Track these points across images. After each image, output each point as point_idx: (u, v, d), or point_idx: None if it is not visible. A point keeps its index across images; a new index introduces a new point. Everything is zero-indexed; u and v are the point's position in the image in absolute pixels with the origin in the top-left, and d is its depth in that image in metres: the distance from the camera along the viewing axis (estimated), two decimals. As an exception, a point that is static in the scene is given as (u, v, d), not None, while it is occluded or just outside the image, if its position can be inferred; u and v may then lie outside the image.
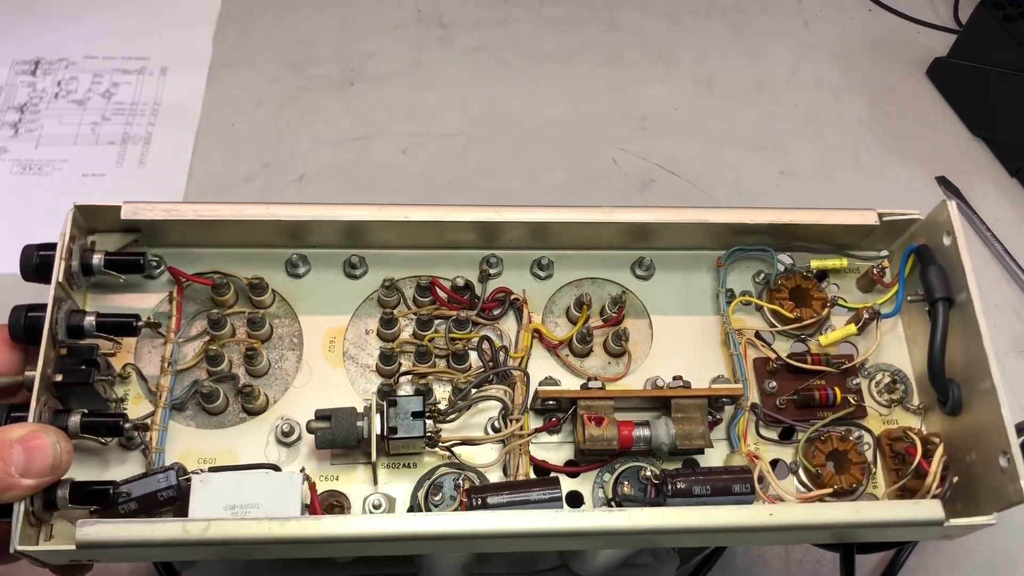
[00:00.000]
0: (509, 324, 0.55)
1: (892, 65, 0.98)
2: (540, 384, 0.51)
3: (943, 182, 0.87)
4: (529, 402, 0.51)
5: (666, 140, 0.88)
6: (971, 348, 0.50)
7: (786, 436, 0.52)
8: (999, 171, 0.90)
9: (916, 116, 0.94)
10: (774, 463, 0.51)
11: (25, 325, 0.47)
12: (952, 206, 0.52)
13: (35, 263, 0.49)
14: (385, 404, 0.48)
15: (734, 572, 0.64)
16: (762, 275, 0.56)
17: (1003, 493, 0.47)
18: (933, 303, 0.51)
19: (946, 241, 0.52)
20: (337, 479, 0.49)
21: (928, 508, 0.46)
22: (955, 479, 0.49)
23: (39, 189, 0.79)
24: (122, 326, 0.49)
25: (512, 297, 0.55)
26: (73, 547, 0.42)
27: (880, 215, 0.54)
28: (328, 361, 0.53)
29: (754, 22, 1.01)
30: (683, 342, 0.54)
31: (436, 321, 0.53)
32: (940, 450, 0.49)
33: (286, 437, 0.50)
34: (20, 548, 0.42)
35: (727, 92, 0.94)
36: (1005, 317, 0.78)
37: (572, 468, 0.50)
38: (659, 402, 0.51)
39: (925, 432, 0.52)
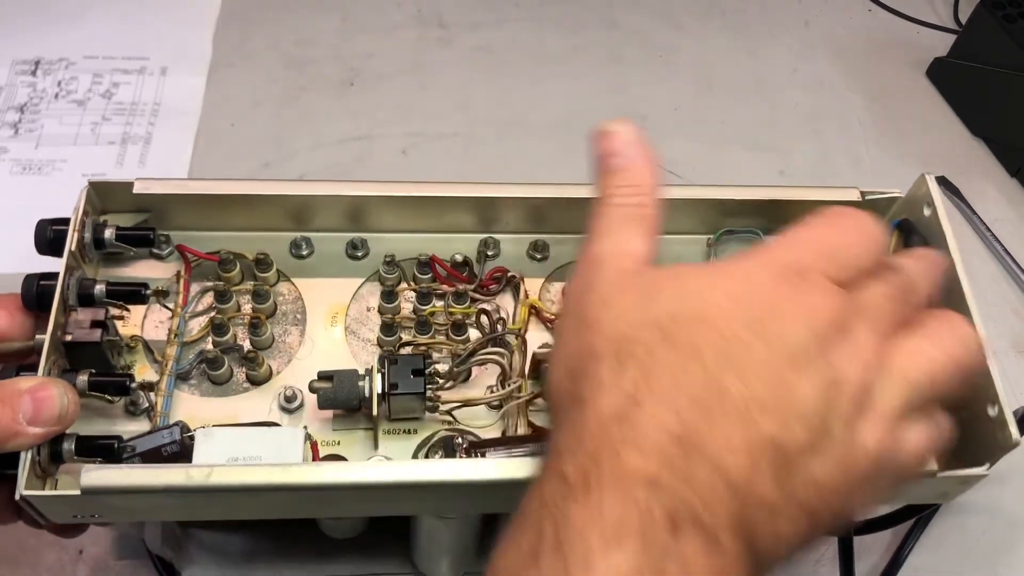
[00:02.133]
0: (506, 302, 0.56)
1: (892, 65, 0.98)
2: (538, 349, 0.52)
3: (943, 182, 0.87)
4: (527, 368, 0.52)
5: (666, 140, 0.88)
6: (955, 309, 0.51)
7: None
8: (999, 171, 0.90)
9: (916, 116, 0.93)
10: None
11: (37, 292, 0.49)
12: (931, 179, 0.54)
13: (49, 237, 0.51)
14: (386, 362, 0.49)
15: (734, 572, 0.64)
16: None
17: (994, 442, 0.48)
18: None
19: (926, 212, 0.54)
20: (339, 444, 0.50)
21: None
22: None
23: (39, 189, 0.79)
24: (131, 294, 0.51)
25: (509, 275, 0.56)
26: (78, 492, 0.43)
27: (863, 193, 0.57)
28: (330, 335, 0.54)
29: (754, 22, 1.01)
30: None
31: (435, 298, 0.55)
32: None
33: (288, 403, 0.51)
34: (26, 493, 0.43)
35: (727, 92, 0.94)
36: (1005, 317, 0.78)
37: None
38: None
39: None
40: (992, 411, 0.48)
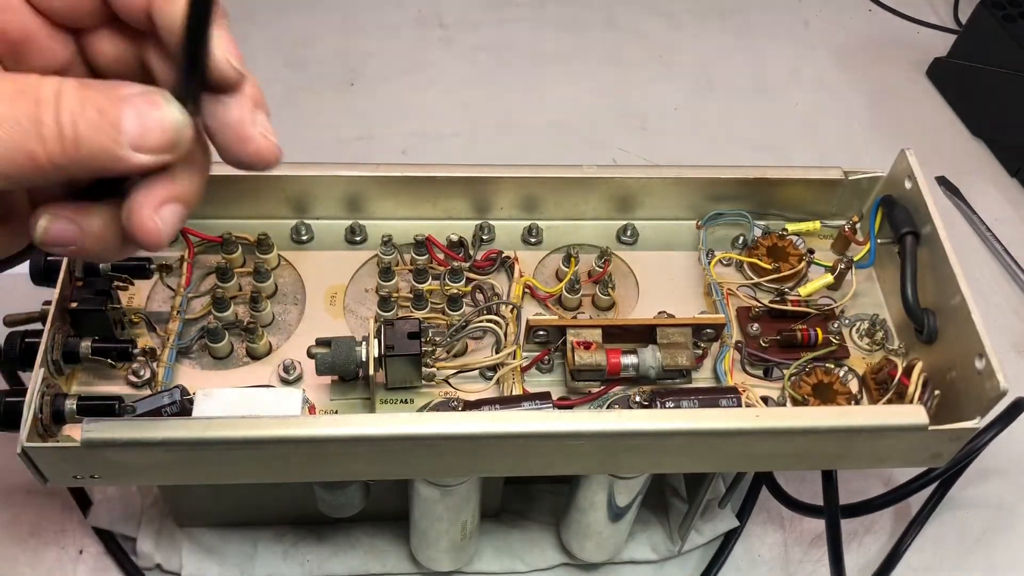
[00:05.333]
0: (501, 281, 0.56)
1: (892, 65, 0.98)
2: (532, 317, 0.53)
3: (943, 182, 0.87)
4: (522, 336, 0.52)
5: (666, 140, 0.89)
6: (940, 274, 0.52)
7: (771, 375, 0.54)
8: (999, 171, 0.90)
9: (916, 116, 0.94)
10: (762, 400, 0.52)
11: (45, 267, 0.50)
12: (911, 155, 0.55)
13: None
14: (383, 327, 0.49)
15: (736, 573, 0.64)
16: (741, 239, 0.59)
17: (983, 393, 0.48)
18: (900, 238, 0.54)
19: (908, 185, 0.55)
20: (336, 413, 0.51)
21: (911, 412, 0.47)
22: (936, 392, 0.50)
23: (39, 189, 0.79)
24: (136, 268, 0.53)
25: (504, 255, 0.57)
26: (78, 443, 0.43)
27: (846, 172, 0.58)
28: (329, 313, 0.55)
29: (754, 22, 1.01)
30: (668, 303, 0.56)
31: (431, 277, 0.55)
32: (919, 366, 0.51)
33: (287, 373, 0.52)
34: (27, 445, 0.43)
35: (727, 92, 0.94)
36: (1005, 317, 0.78)
37: (564, 402, 0.51)
38: (645, 336, 0.52)
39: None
40: (980, 364, 0.48)
